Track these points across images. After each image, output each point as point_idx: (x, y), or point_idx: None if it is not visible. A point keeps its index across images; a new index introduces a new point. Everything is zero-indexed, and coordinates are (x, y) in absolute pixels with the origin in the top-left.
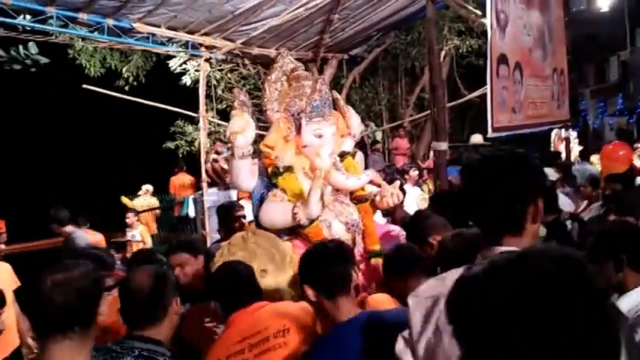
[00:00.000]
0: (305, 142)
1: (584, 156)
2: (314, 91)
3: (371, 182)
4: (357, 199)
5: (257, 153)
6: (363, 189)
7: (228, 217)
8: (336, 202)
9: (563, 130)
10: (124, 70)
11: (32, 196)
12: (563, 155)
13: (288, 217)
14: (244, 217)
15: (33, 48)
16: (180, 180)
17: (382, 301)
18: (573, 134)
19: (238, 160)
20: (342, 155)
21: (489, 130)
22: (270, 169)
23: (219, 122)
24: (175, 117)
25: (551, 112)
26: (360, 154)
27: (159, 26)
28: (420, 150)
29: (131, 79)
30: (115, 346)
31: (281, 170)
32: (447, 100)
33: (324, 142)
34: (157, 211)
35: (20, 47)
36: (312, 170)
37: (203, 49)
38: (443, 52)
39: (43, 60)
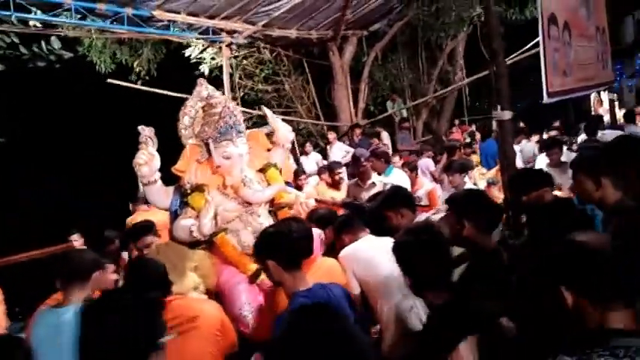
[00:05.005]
0: (217, 164)
1: (629, 118)
2: (220, 117)
3: None
4: (275, 206)
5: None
6: (281, 197)
7: None
8: (246, 214)
9: (601, 92)
10: (135, 64)
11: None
12: (606, 118)
13: (186, 233)
14: None
15: (56, 43)
16: None
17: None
18: (614, 96)
19: (144, 187)
20: (265, 168)
21: (545, 96)
22: (182, 190)
23: (244, 110)
24: None
25: (598, 73)
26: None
27: (179, 13)
28: (441, 126)
29: (143, 73)
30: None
31: (189, 191)
32: (469, 73)
33: (232, 163)
34: None
35: (42, 43)
36: (225, 187)
37: (224, 34)
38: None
39: (67, 55)
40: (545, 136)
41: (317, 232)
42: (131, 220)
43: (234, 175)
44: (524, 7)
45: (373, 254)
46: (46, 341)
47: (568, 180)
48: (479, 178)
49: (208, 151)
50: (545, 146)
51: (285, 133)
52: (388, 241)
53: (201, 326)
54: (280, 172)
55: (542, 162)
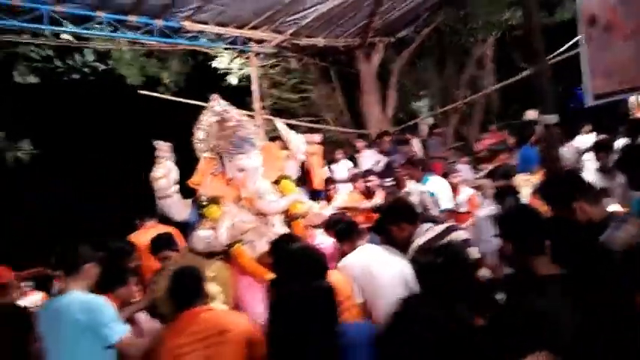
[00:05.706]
0: (229, 176)
1: None
2: (234, 131)
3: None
4: (289, 217)
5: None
6: (295, 207)
7: None
8: (262, 225)
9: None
10: (163, 76)
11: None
12: None
13: (204, 243)
14: None
15: (89, 55)
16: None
17: None
18: None
19: (161, 200)
20: (279, 180)
21: (590, 98)
22: (198, 203)
23: (272, 119)
24: None
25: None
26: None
27: (207, 23)
28: (471, 131)
29: (171, 85)
30: None
31: (204, 203)
32: (497, 78)
33: (247, 175)
34: None
35: (76, 55)
36: (240, 199)
37: (252, 43)
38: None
39: (102, 67)
40: (579, 140)
41: (331, 241)
42: (135, 236)
43: (249, 187)
44: (553, 10)
45: (370, 263)
46: (48, 324)
47: (619, 185)
48: (522, 184)
49: (223, 164)
50: (593, 149)
51: (297, 144)
52: (385, 250)
53: (229, 340)
54: (309, 182)
55: (590, 164)
